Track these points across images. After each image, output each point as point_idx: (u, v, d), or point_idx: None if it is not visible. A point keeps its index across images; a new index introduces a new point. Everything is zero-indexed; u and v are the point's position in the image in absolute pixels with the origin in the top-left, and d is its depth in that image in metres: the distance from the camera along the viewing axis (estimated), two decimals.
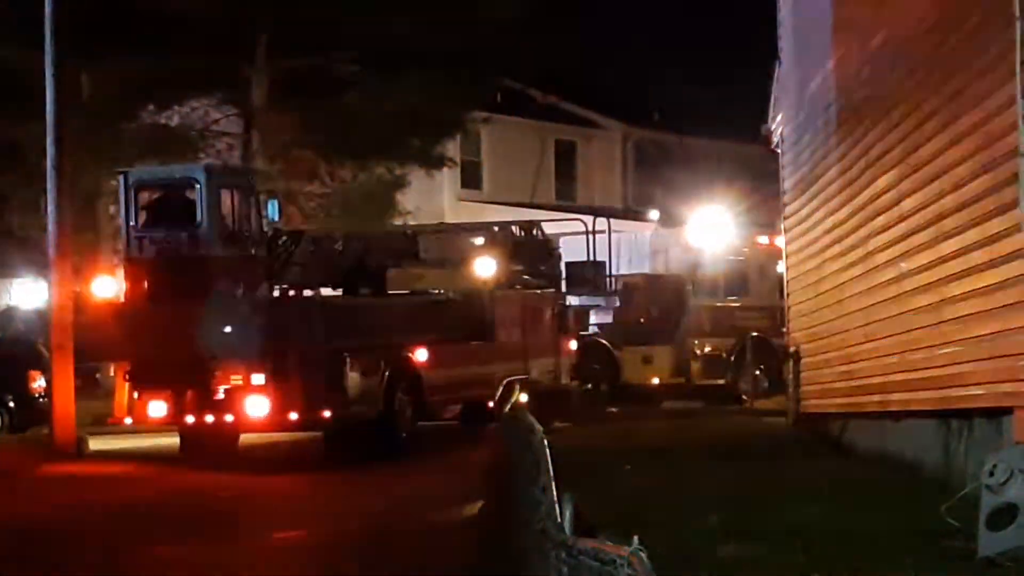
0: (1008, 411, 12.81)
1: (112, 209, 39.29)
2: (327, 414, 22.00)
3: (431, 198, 44.40)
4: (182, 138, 36.82)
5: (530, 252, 28.26)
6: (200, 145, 37.07)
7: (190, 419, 22.29)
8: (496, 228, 28.47)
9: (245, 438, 23.72)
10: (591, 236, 33.35)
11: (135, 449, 24.61)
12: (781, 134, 24.24)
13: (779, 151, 24.49)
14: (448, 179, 45.34)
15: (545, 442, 11.27)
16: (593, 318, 32.23)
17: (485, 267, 25.90)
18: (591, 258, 33.10)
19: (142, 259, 22.77)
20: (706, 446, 21.36)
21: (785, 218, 23.92)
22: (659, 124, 53.42)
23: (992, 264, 13.20)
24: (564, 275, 29.18)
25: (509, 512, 12.21)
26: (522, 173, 49.21)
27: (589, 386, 31.44)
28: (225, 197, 22.84)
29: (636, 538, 6.24)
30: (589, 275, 31.03)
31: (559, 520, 7.82)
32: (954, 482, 13.94)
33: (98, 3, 30.80)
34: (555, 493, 8.48)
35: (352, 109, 35.27)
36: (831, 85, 20.17)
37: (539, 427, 12.47)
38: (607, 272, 32.63)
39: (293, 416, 21.80)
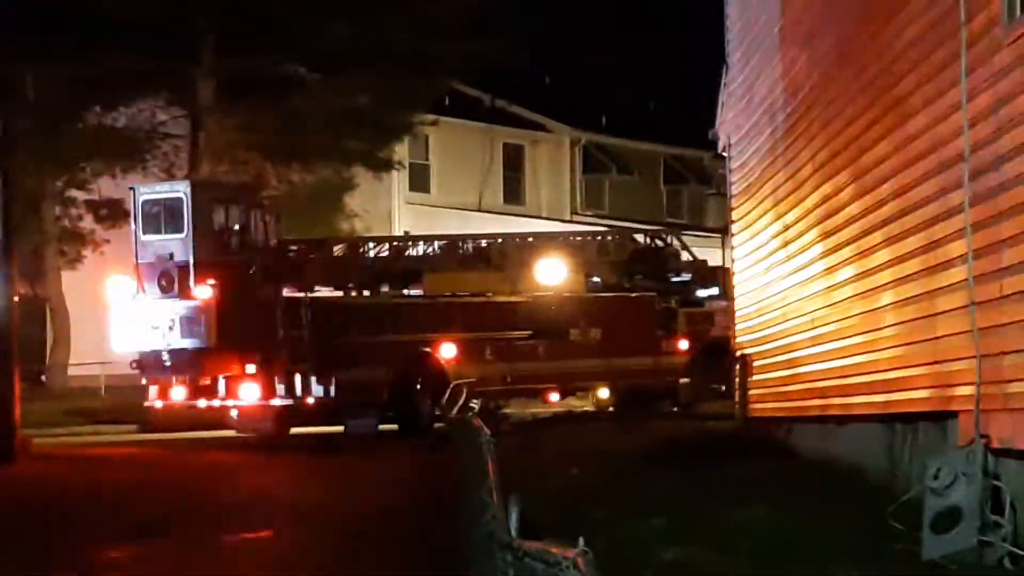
0: (953, 415, 12.86)
1: (57, 210, 39.18)
2: (310, 401, 24.82)
3: (379, 201, 44.36)
4: (128, 140, 36.66)
5: (649, 259, 31.10)
6: (146, 147, 36.92)
7: (202, 403, 25.26)
8: (606, 238, 31.60)
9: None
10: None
11: (91, 446, 25.02)
12: (729, 138, 24.28)
13: (727, 156, 24.53)
14: (397, 182, 45.26)
15: (492, 445, 11.25)
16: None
17: (553, 272, 28.12)
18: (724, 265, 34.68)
19: (145, 263, 25.45)
20: (649, 450, 21.33)
21: (732, 222, 23.97)
22: (607, 128, 53.46)
23: (937, 268, 13.25)
24: (698, 280, 31.96)
25: (457, 515, 12.19)
26: (470, 176, 49.17)
27: (719, 385, 31.93)
28: (214, 209, 25.62)
29: (581, 540, 6.24)
30: (721, 280, 32.05)
31: (506, 522, 7.81)
32: (899, 485, 13.99)
33: (44, 4, 30.63)
34: (501, 496, 8.46)
35: (299, 111, 35.19)
36: (779, 89, 20.21)
37: (487, 430, 12.44)
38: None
39: (276, 403, 24.73)
